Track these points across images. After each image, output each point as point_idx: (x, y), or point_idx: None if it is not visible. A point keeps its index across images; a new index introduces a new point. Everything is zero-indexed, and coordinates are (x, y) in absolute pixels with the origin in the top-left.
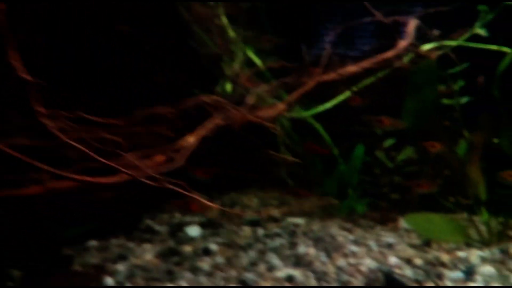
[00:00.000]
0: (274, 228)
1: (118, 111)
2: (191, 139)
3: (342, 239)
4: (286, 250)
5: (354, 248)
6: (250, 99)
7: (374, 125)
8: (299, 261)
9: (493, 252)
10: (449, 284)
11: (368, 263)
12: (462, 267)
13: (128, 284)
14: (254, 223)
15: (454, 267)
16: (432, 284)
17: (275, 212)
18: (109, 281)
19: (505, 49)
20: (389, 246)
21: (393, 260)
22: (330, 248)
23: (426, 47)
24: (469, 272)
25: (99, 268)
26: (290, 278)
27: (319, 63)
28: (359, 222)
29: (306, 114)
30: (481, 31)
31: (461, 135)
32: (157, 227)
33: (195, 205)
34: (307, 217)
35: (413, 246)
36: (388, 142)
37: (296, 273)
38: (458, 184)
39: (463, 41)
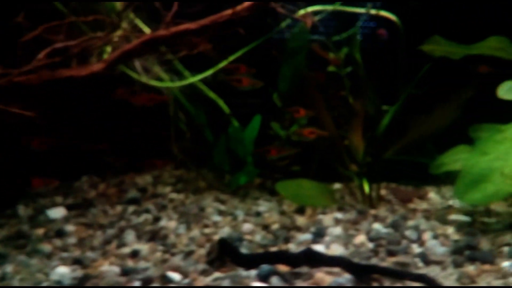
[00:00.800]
0: (148, 205)
1: None
2: None
3: (211, 210)
4: (148, 225)
5: (218, 218)
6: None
7: (233, 85)
8: (154, 236)
9: (352, 213)
10: (292, 246)
11: (223, 232)
12: (314, 229)
13: None
14: (132, 201)
15: (306, 230)
16: (275, 248)
17: (164, 190)
18: None
19: (383, 12)
20: (258, 214)
21: (247, 227)
22: (192, 220)
23: (302, 11)
24: (319, 234)
25: None
26: (134, 253)
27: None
28: (246, 194)
29: (191, 80)
30: None
31: (346, 102)
32: (22, 212)
33: (36, 181)
34: (193, 193)
35: (283, 213)
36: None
37: (144, 247)
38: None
39: (340, 6)
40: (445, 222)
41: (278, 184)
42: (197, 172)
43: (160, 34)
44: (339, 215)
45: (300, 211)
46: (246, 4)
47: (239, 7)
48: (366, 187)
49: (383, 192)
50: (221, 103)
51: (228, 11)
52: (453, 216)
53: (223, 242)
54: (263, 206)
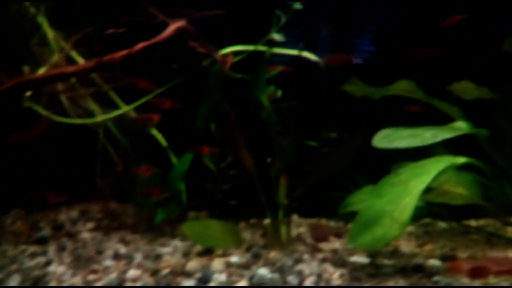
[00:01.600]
0: (50, 246)
1: None
2: None
3: (110, 253)
4: (36, 270)
5: (110, 263)
6: None
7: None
8: (36, 282)
9: (247, 256)
10: None
11: (107, 278)
12: (200, 275)
13: None
14: (39, 241)
15: (193, 275)
16: None
17: (83, 227)
18: None
19: (306, 53)
20: (157, 257)
21: (133, 273)
22: (83, 264)
23: (224, 51)
24: (203, 280)
25: None
26: None
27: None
28: (171, 230)
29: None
30: (276, 36)
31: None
32: None
33: None
34: (107, 232)
35: (187, 254)
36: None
37: None
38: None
39: (262, 46)
40: (341, 264)
41: (185, 225)
42: (127, 207)
43: (33, 77)
44: (234, 258)
45: (209, 252)
46: (138, 47)
47: (109, 56)
48: (276, 226)
49: (302, 230)
50: (159, 136)
51: (114, 55)
52: (354, 258)
53: None
54: (172, 246)
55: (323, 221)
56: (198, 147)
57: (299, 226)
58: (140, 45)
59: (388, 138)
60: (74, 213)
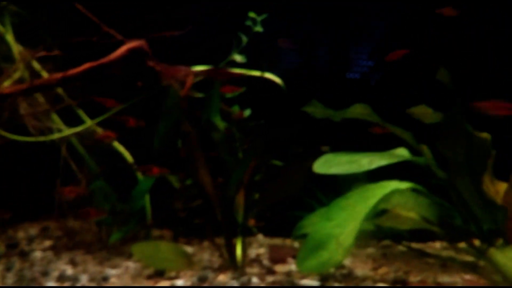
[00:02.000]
0: None
1: None
2: None
3: (55, 274)
4: None
5: (53, 285)
6: None
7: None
8: None
9: (193, 279)
10: None
11: None
12: None
13: None
14: None
15: None
16: None
17: (39, 245)
18: None
19: (268, 75)
20: (104, 279)
21: None
22: (24, 286)
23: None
24: None
25: None
26: None
27: None
28: (119, 251)
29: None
30: (238, 57)
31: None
32: None
33: None
34: (58, 251)
35: (134, 277)
36: None
37: None
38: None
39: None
40: None
41: (135, 246)
42: (89, 224)
43: None
44: (180, 281)
45: (160, 274)
46: (57, 75)
47: (45, 78)
48: (230, 246)
49: (262, 250)
50: (126, 153)
51: (51, 77)
52: (305, 281)
53: None
54: (123, 267)
55: (288, 241)
56: (146, 167)
57: (261, 246)
58: (84, 66)
59: (328, 164)
60: (33, 230)
